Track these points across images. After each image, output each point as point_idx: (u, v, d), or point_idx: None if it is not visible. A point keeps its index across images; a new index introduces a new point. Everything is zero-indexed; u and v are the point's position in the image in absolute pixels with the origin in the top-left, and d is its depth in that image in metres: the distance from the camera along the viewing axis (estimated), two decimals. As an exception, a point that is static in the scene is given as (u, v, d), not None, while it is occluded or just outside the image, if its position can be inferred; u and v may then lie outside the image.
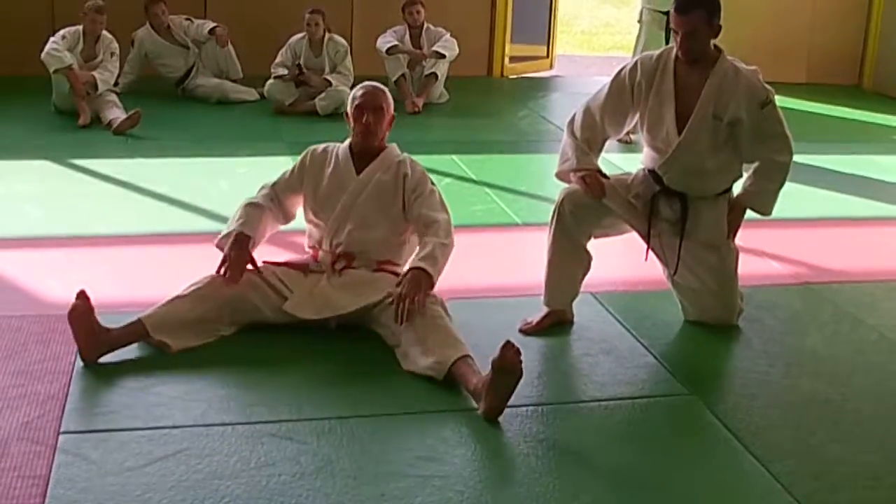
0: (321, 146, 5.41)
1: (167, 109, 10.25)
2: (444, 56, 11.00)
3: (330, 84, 10.21)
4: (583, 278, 5.40)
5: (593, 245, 5.40)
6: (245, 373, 4.74)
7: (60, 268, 5.94)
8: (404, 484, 3.91)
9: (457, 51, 11.13)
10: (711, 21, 5.07)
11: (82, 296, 4.69)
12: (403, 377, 4.71)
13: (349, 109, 5.30)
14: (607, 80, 5.38)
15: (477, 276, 5.93)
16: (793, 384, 4.96)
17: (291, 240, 5.85)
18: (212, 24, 10.90)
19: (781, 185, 5.33)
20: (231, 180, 7.68)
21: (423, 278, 4.90)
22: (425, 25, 11.15)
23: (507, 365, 4.28)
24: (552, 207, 5.34)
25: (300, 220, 5.40)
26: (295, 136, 9.06)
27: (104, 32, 9.84)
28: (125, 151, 8.69)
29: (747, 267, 5.80)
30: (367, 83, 5.37)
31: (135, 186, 7.63)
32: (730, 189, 5.39)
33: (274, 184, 5.35)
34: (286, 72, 10.47)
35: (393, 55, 10.94)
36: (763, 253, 6.62)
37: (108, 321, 4.93)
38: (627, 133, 5.55)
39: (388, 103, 5.30)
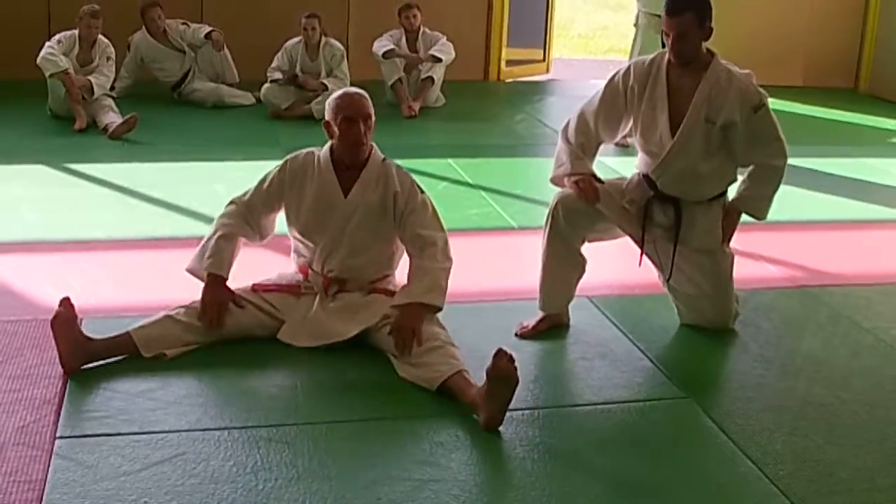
0: (300, 155, 5.14)
1: (163, 114, 10.26)
2: (440, 60, 11.01)
3: (326, 88, 10.20)
4: (577, 282, 5.40)
5: (589, 249, 5.40)
6: (240, 377, 4.74)
7: (56, 272, 5.94)
8: (400, 488, 3.90)
9: (453, 55, 11.14)
10: (702, 23, 5.07)
11: (66, 303, 4.68)
12: (398, 382, 4.71)
13: (332, 119, 4.99)
14: (604, 83, 5.38)
15: (473, 280, 5.93)
16: (789, 387, 4.96)
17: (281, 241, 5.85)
18: (208, 29, 10.91)
19: (776, 189, 5.33)
20: (227, 184, 7.66)
21: (427, 310, 4.88)
22: (422, 29, 11.16)
23: (501, 372, 4.27)
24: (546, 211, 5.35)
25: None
26: (291, 140, 9.04)
27: (100, 37, 9.85)
28: (121, 156, 8.70)
29: (743, 270, 5.81)
30: (344, 90, 5.12)
31: (131, 191, 7.63)
32: (724, 193, 5.39)
33: (248, 201, 5.13)
34: (282, 76, 10.47)
35: (389, 59, 10.94)
36: (759, 256, 6.63)
37: (103, 325, 4.95)
38: (624, 137, 5.53)
39: (372, 109, 5.07)
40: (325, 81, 10.41)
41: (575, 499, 3.92)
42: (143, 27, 10.79)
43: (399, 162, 5.30)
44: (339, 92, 5.09)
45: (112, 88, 10.07)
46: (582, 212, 5.25)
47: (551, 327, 5.37)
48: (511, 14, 13.31)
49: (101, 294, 5.65)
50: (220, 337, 4.94)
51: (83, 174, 8.04)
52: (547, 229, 5.32)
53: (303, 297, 5.13)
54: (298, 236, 5.16)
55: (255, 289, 5.09)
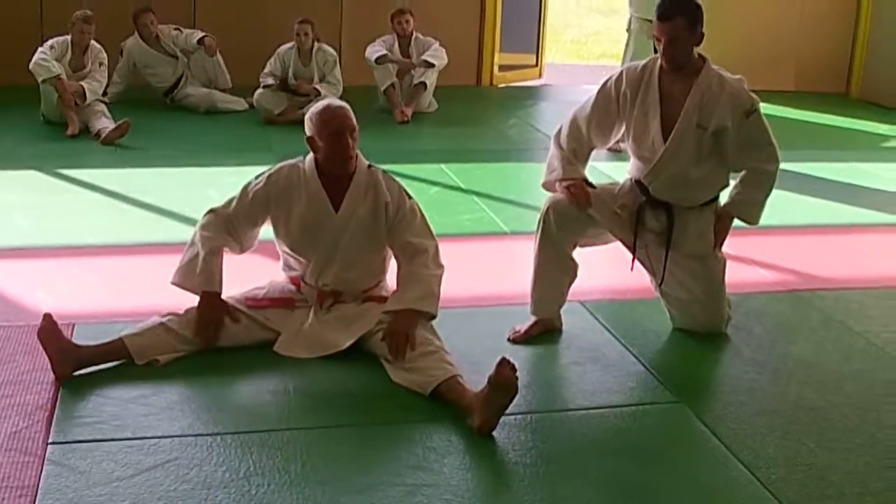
0: (284, 168, 5.07)
1: (156, 119, 10.25)
2: (433, 65, 11.01)
3: (319, 93, 10.20)
4: (569, 286, 5.41)
5: (581, 253, 5.41)
6: (232, 383, 4.74)
7: (49, 278, 5.94)
8: (393, 493, 3.91)
9: (446, 60, 11.15)
10: (693, 28, 5.08)
11: (48, 318, 4.67)
12: (391, 387, 4.71)
13: (316, 135, 4.92)
14: (596, 88, 5.39)
15: (465, 285, 5.93)
16: (781, 392, 4.97)
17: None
18: (201, 34, 10.91)
19: (768, 193, 5.34)
20: (220, 190, 7.62)
21: (420, 316, 4.89)
22: (414, 35, 11.17)
23: (504, 381, 4.28)
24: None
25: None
26: (284, 145, 9.05)
27: (93, 42, 9.84)
28: (114, 161, 8.70)
29: (735, 275, 5.81)
30: (325, 105, 5.00)
31: (123, 196, 7.63)
32: (716, 198, 5.40)
33: (231, 213, 5.07)
34: (275, 81, 10.47)
35: (382, 64, 10.94)
36: (751, 261, 6.64)
37: (96, 331, 4.97)
38: (617, 142, 5.54)
39: (354, 118, 4.98)
40: (317, 87, 10.42)
41: (567, 503, 3.92)
42: (136, 32, 10.79)
43: (391, 167, 5.31)
44: (320, 107, 4.98)
45: (104, 94, 10.06)
46: (573, 217, 5.25)
47: (544, 332, 5.38)
48: (504, 19, 13.32)
49: (93, 299, 5.66)
50: (214, 347, 4.94)
51: (75, 179, 8.04)
52: (538, 234, 5.32)
53: (297, 308, 5.13)
54: (288, 251, 5.14)
55: (249, 304, 5.07)
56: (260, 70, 10.57)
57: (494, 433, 4.33)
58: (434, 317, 4.95)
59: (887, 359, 5.37)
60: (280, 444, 4.20)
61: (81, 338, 4.93)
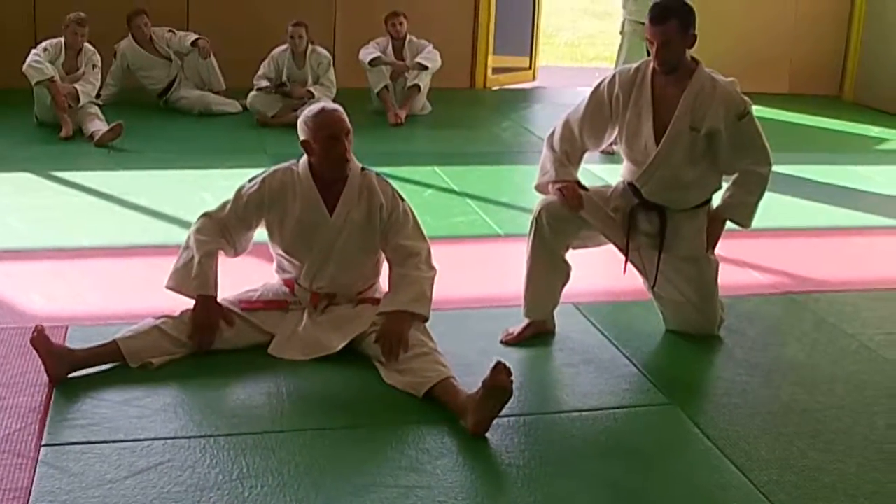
0: (278, 172, 5.06)
1: (149, 121, 10.25)
2: (426, 68, 11.01)
3: (313, 96, 10.19)
4: (562, 288, 5.41)
5: (574, 255, 5.41)
6: (225, 385, 4.74)
7: (42, 280, 5.94)
8: (386, 495, 3.91)
9: (439, 62, 11.15)
10: (686, 31, 5.09)
11: (38, 329, 4.65)
12: (384, 389, 4.71)
13: (311, 138, 4.93)
14: (589, 91, 5.40)
15: (459, 287, 5.94)
16: (773, 393, 4.98)
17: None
18: (194, 36, 10.91)
19: (761, 196, 5.35)
20: (214, 192, 7.65)
21: (413, 318, 4.89)
22: (408, 37, 11.17)
23: (499, 385, 4.29)
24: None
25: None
26: (277, 147, 9.06)
27: (86, 45, 9.83)
28: (107, 163, 8.69)
29: (728, 277, 5.83)
30: (319, 108, 4.99)
31: (117, 198, 7.62)
32: (709, 201, 5.41)
33: (224, 217, 5.06)
34: (269, 84, 10.47)
35: (376, 67, 10.94)
36: (744, 263, 6.64)
37: (90, 333, 4.97)
38: (610, 144, 5.55)
39: (348, 121, 5.00)
40: (311, 89, 10.41)
41: (560, 505, 3.94)
42: (130, 35, 10.78)
43: (385, 169, 5.32)
44: (315, 110, 4.99)
45: (98, 96, 10.05)
46: (566, 219, 5.26)
47: (537, 334, 5.38)
48: (497, 22, 13.32)
49: (87, 302, 5.66)
50: (208, 349, 4.95)
51: (69, 182, 8.03)
52: (531, 236, 5.33)
53: (291, 311, 5.13)
54: (283, 254, 5.14)
55: (243, 307, 5.08)
56: (254, 72, 10.56)
57: (488, 435, 4.34)
58: (427, 319, 4.95)
59: (880, 361, 5.38)
60: (273, 446, 4.20)
61: (75, 340, 4.93)
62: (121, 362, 4.77)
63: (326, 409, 4.56)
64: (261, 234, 5.17)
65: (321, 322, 5.05)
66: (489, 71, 13.45)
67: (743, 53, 12.81)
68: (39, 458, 4.04)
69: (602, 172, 8.24)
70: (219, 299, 4.99)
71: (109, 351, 4.77)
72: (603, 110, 5.30)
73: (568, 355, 5.25)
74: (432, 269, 5.05)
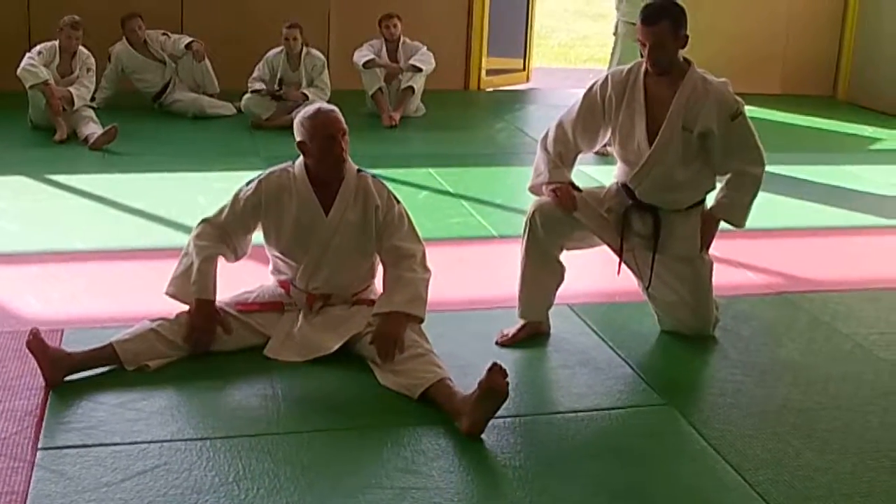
0: (274, 174, 5.06)
1: (144, 124, 10.24)
2: (420, 70, 11.01)
3: (307, 98, 10.19)
4: (556, 289, 5.42)
5: (568, 256, 5.42)
6: (221, 388, 4.74)
7: (38, 283, 5.94)
8: (382, 496, 3.92)
9: (433, 64, 11.15)
10: (678, 32, 5.10)
11: (34, 332, 4.65)
12: (379, 391, 4.72)
13: (308, 139, 4.93)
14: (583, 92, 5.41)
15: (453, 289, 5.94)
16: (768, 393, 4.98)
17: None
18: (188, 39, 10.91)
19: (754, 196, 5.36)
20: (208, 195, 7.67)
21: (409, 320, 4.89)
22: (402, 39, 11.17)
23: (495, 386, 4.30)
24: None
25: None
26: (272, 150, 9.05)
27: (80, 48, 9.83)
28: (102, 166, 8.69)
29: (723, 277, 5.83)
30: (315, 109, 5.01)
31: (112, 202, 7.62)
32: (703, 201, 5.42)
33: (223, 222, 5.06)
34: (263, 86, 10.47)
35: (370, 69, 10.94)
36: (738, 263, 6.66)
37: (85, 336, 4.97)
38: (604, 145, 5.56)
39: (344, 121, 5.00)
40: (305, 91, 10.42)
41: (556, 506, 3.94)
42: (124, 38, 10.77)
43: (380, 171, 5.32)
44: (311, 111, 5.00)
45: (93, 99, 10.05)
46: (559, 220, 5.27)
47: (532, 335, 5.39)
48: (491, 24, 13.32)
49: (82, 305, 5.66)
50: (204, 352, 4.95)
51: (64, 185, 8.03)
52: (525, 237, 5.34)
53: (286, 312, 5.13)
54: (279, 255, 5.14)
55: (239, 309, 5.08)
56: (248, 75, 10.56)
57: (483, 436, 4.35)
58: (422, 320, 4.96)
59: (874, 360, 5.39)
60: (269, 448, 4.21)
61: (71, 343, 4.93)
62: (117, 365, 4.77)
63: (322, 411, 4.56)
64: (257, 236, 5.17)
65: (316, 323, 5.05)
66: (483, 73, 13.45)
67: (736, 54, 12.82)
68: (36, 462, 4.04)
69: (596, 173, 8.26)
70: (217, 306, 5.00)
71: (105, 354, 4.77)
72: (596, 112, 5.31)
73: (563, 356, 5.25)
74: (427, 270, 5.06)
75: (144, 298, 5.54)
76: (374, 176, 5.14)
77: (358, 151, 5.22)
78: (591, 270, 6.02)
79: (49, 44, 9.77)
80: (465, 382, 4.50)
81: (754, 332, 5.69)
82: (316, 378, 4.84)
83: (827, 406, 4.87)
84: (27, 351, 4.62)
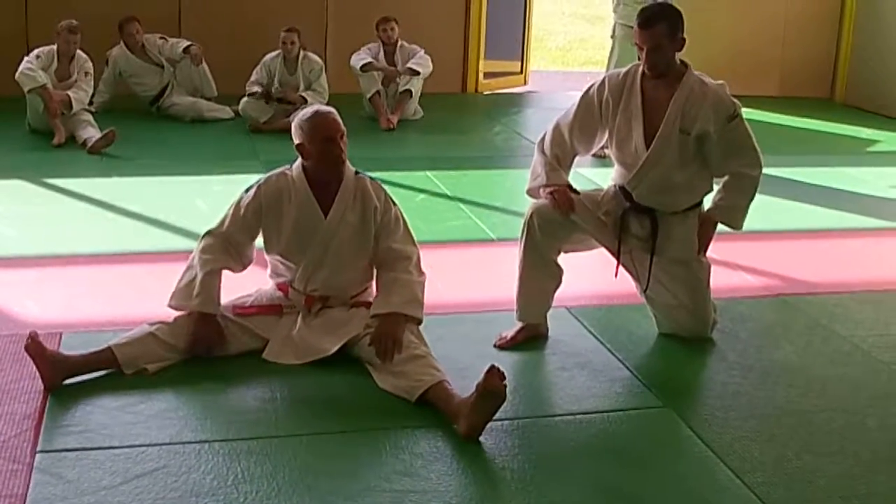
0: (272, 178, 5.07)
1: (142, 128, 10.23)
2: (418, 73, 11.01)
3: (305, 101, 10.19)
4: (554, 292, 5.42)
5: (566, 259, 5.42)
6: (220, 391, 4.74)
7: (36, 287, 5.94)
8: (380, 499, 3.92)
9: (431, 67, 11.15)
10: (675, 35, 5.11)
11: (32, 336, 4.66)
12: (378, 393, 4.72)
13: (307, 141, 4.94)
14: (580, 95, 5.41)
15: (452, 292, 5.95)
16: (767, 396, 4.99)
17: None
18: (186, 43, 10.91)
19: (751, 198, 5.36)
20: (207, 198, 7.69)
21: (406, 321, 4.90)
22: (399, 42, 11.17)
23: (493, 389, 4.30)
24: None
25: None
26: (270, 153, 9.05)
27: (78, 52, 9.83)
28: (100, 170, 8.69)
29: (721, 280, 5.84)
30: (313, 111, 5.02)
31: (110, 205, 7.62)
32: (700, 204, 5.43)
33: (225, 231, 5.05)
34: (261, 90, 10.47)
35: (367, 72, 10.94)
36: (736, 266, 6.66)
37: (83, 340, 4.97)
38: (601, 147, 5.56)
39: (342, 123, 5.01)
40: (303, 95, 10.42)
41: (554, 508, 3.94)
42: (122, 42, 10.78)
43: (377, 175, 5.32)
44: (308, 113, 5.01)
45: (90, 103, 10.04)
46: (557, 223, 5.27)
47: (530, 338, 5.39)
48: (488, 26, 13.32)
49: (81, 309, 5.66)
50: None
51: (62, 189, 8.03)
52: (523, 240, 5.34)
53: (285, 315, 5.14)
54: (278, 257, 5.14)
55: (237, 312, 5.09)
56: (246, 79, 10.56)
57: (481, 439, 4.35)
58: (421, 322, 4.97)
59: (873, 362, 5.40)
60: (268, 452, 4.21)
61: (69, 347, 4.93)
62: (115, 369, 4.77)
63: (320, 414, 4.57)
64: (256, 240, 5.18)
65: (315, 326, 5.05)
66: (480, 75, 13.46)
67: (733, 56, 12.83)
68: (35, 465, 4.04)
69: (593, 176, 8.26)
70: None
71: (104, 357, 4.77)
72: (593, 114, 5.32)
73: (561, 359, 5.25)
74: (422, 273, 5.07)
75: (143, 302, 5.54)
76: (371, 178, 5.14)
77: (356, 155, 5.22)
78: (589, 273, 6.03)
79: (47, 48, 9.78)
80: (464, 385, 4.50)
81: (752, 335, 5.70)
82: (314, 381, 4.84)
83: (825, 408, 4.87)
84: (26, 354, 4.63)
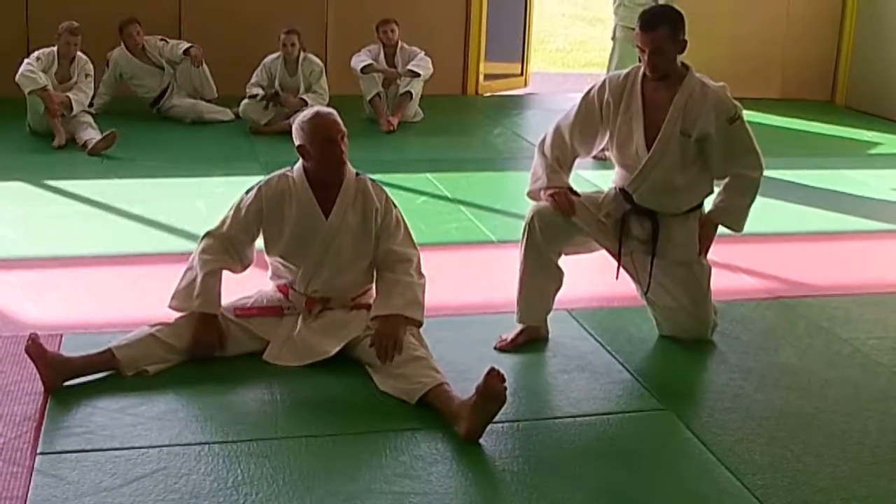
0: (273, 180, 5.07)
1: (142, 130, 10.23)
2: (418, 75, 11.01)
3: (305, 103, 10.17)
4: (555, 294, 5.42)
5: (567, 262, 5.42)
6: (220, 392, 4.74)
7: (36, 289, 5.94)
8: (381, 501, 3.92)
9: (431, 69, 11.15)
10: (676, 37, 5.12)
11: (32, 337, 4.66)
12: (378, 395, 4.72)
13: (308, 143, 4.94)
14: (580, 97, 5.41)
15: (452, 294, 5.95)
16: (767, 398, 4.98)
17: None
18: (186, 45, 10.91)
19: (752, 200, 5.37)
20: (207, 200, 7.69)
21: (407, 323, 4.90)
22: (399, 44, 11.17)
23: (492, 392, 4.31)
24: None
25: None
26: (270, 155, 9.05)
27: (79, 54, 9.83)
28: (100, 172, 8.69)
29: (721, 282, 5.84)
30: (314, 112, 5.02)
31: (110, 207, 7.62)
32: (701, 206, 5.43)
33: (226, 232, 5.05)
34: (261, 91, 10.47)
35: (367, 74, 10.93)
36: (736, 268, 6.66)
37: (84, 341, 4.97)
38: (601, 150, 5.56)
39: (343, 124, 5.01)
40: (304, 97, 10.42)
41: (555, 510, 3.94)
42: (122, 44, 10.77)
43: (378, 177, 5.32)
44: (309, 114, 5.01)
45: (91, 105, 10.04)
46: (558, 225, 5.27)
47: (530, 340, 5.39)
48: (489, 28, 13.31)
49: (81, 310, 5.66)
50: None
51: (62, 191, 8.03)
52: (523, 242, 5.34)
53: (285, 316, 5.14)
54: (279, 259, 5.13)
55: (238, 314, 5.09)
56: (246, 80, 10.56)
57: (481, 441, 4.35)
58: (421, 324, 4.97)
59: (873, 365, 5.40)
60: (268, 453, 4.21)
61: (70, 349, 4.94)
62: (116, 370, 4.77)
63: (320, 416, 4.57)
64: (257, 242, 5.18)
65: (315, 327, 5.05)
66: (481, 77, 13.45)
67: (734, 58, 12.84)
68: (35, 467, 4.04)
69: (594, 178, 8.26)
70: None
71: (104, 359, 4.77)
72: (593, 116, 5.32)
73: (561, 361, 5.25)
74: (422, 276, 5.07)
75: (143, 304, 5.55)
76: (372, 180, 5.14)
77: (356, 156, 5.22)
78: (590, 275, 6.03)
79: (47, 49, 9.78)
80: (464, 387, 4.50)
81: (753, 337, 5.70)
82: (315, 382, 4.84)
83: (825, 410, 4.87)
84: (26, 356, 4.63)
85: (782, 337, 5.75)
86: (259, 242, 5.14)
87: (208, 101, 11.03)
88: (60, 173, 8.50)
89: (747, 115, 5.34)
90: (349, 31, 12.25)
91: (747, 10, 13.46)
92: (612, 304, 5.95)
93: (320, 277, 5.06)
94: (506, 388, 4.32)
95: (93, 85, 10.02)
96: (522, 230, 5.35)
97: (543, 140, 5.44)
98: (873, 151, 11.19)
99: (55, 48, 9.76)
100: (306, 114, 5.03)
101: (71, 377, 4.69)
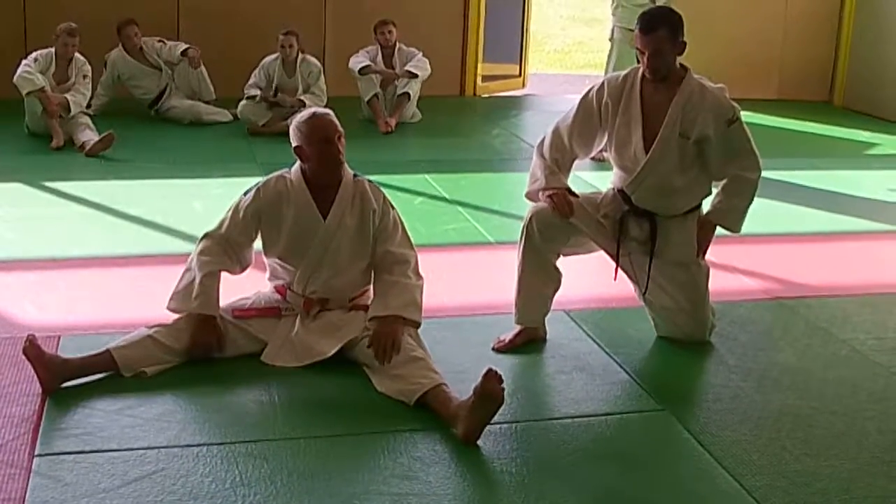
0: (271, 181, 5.07)
1: (140, 131, 10.22)
2: (416, 76, 11.00)
3: (304, 104, 10.16)
4: (553, 295, 5.42)
5: (565, 262, 5.42)
6: (218, 394, 4.74)
7: (34, 290, 5.94)
8: (379, 502, 3.92)
9: (429, 70, 11.14)
10: (675, 38, 5.12)
11: (30, 339, 4.65)
12: (376, 397, 4.72)
13: (305, 144, 4.94)
14: (579, 98, 5.41)
15: (450, 295, 5.95)
16: (765, 399, 4.98)
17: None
18: (184, 46, 10.89)
19: (750, 201, 5.37)
20: (205, 201, 7.68)
21: (405, 324, 4.90)
22: (397, 45, 11.16)
23: (490, 393, 4.31)
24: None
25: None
26: (268, 156, 9.04)
27: (77, 55, 9.82)
28: (98, 173, 8.68)
29: (719, 283, 5.84)
30: (310, 113, 5.03)
31: (108, 208, 7.62)
32: (699, 207, 5.43)
33: (224, 233, 5.05)
34: (259, 93, 10.47)
35: (365, 75, 10.92)
36: (735, 269, 6.66)
37: (82, 343, 4.97)
38: (600, 151, 5.57)
39: (340, 125, 5.02)
40: (302, 98, 10.41)
41: (553, 511, 3.94)
42: (120, 45, 10.76)
43: (376, 178, 5.32)
44: (306, 115, 5.02)
45: (89, 106, 10.04)
46: (556, 226, 5.27)
47: (528, 341, 5.39)
48: (487, 29, 13.30)
49: (79, 311, 5.65)
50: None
51: (60, 192, 8.02)
52: (522, 243, 5.34)
53: (283, 317, 5.13)
54: (277, 260, 5.13)
55: (236, 315, 5.09)
56: (244, 81, 10.55)
57: (480, 442, 4.35)
58: (419, 325, 4.97)
59: (871, 365, 5.40)
60: (266, 454, 4.21)
61: (68, 350, 4.93)
62: (114, 371, 4.77)
63: (319, 417, 4.57)
64: (256, 243, 5.18)
65: (313, 328, 5.05)
66: (479, 78, 13.43)
67: (732, 59, 12.83)
68: (33, 468, 4.04)
69: (592, 179, 8.26)
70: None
71: (102, 360, 4.77)
72: (592, 118, 5.32)
73: (560, 362, 5.25)
74: (420, 278, 5.07)
75: (141, 305, 5.55)
76: (370, 181, 5.14)
77: (354, 158, 5.22)
78: (588, 276, 6.03)
79: (45, 51, 9.77)
80: (462, 388, 4.50)
81: (751, 338, 5.70)
82: (313, 384, 4.84)
83: (824, 411, 4.87)
84: (24, 357, 4.62)
85: (780, 338, 5.75)
86: (257, 244, 5.14)
87: (206, 102, 11.02)
88: (58, 174, 8.50)
89: (745, 115, 5.34)
90: (347, 32, 12.23)
91: (745, 10, 13.45)
92: (611, 305, 5.95)
93: (318, 278, 5.06)
94: (504, 389, 4.32)
95: (91, 86, 10.01)
96: (521, 231, 5.35)
97: (542, 141, 5.44)
98: (871, 152, 11.19)
99: (53, 49, 9.75)
100: (303, 115, 5.04)
101: (69, 378, 4.69)
